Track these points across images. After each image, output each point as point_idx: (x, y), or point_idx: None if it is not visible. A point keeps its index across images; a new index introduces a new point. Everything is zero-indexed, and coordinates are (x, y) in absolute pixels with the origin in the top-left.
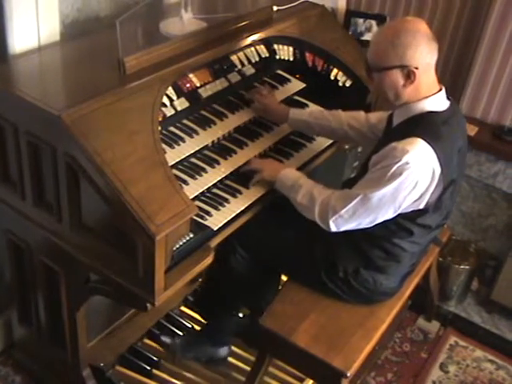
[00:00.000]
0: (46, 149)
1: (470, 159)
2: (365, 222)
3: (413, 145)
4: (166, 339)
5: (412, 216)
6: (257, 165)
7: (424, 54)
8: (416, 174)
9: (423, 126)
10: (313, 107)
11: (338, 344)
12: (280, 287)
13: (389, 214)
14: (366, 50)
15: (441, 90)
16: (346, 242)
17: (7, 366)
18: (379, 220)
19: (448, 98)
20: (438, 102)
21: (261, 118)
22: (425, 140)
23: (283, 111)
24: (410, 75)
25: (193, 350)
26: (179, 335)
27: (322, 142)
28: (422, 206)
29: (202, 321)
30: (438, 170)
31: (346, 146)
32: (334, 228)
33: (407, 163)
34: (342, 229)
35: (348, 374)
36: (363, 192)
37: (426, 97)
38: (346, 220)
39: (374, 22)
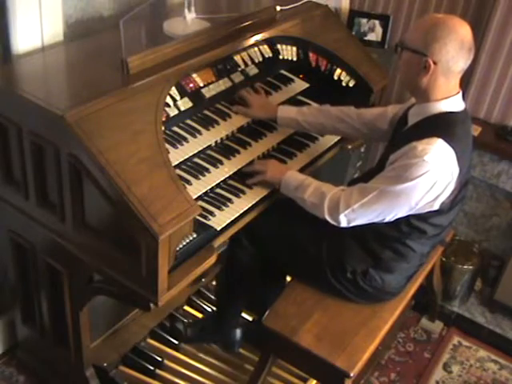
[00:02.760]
0: (50, 149)
1: (473, 159)
2: (377, 218)
3: (433, 145)
4: (179, 326)
5: (425, 216)
6: (260, 166)
7: (449, 55)
8: (435, 175)
9: (442, 125)
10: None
11: (341, 344)
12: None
13: (402, 212)
14: (370, 50)
15: (459, 92)
16: (356, 242)
17: (11, 366)
18: (390, 217)
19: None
20: (455, 103)
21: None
22: (445, 140)
23: (271, 109)
24: (426, 66)
25: (206, 335)
26: (189, 324)
27: (326, 142)
28: (436, 207)
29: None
30: (457, 172)
31: (350, 146)
32: (344, 223)
33: (427, 163)
34: (353, 223)
35: (351, 374)
36: (381, 187)
37: (444, 98)
38: (359, 214)
39: (377, 22)
